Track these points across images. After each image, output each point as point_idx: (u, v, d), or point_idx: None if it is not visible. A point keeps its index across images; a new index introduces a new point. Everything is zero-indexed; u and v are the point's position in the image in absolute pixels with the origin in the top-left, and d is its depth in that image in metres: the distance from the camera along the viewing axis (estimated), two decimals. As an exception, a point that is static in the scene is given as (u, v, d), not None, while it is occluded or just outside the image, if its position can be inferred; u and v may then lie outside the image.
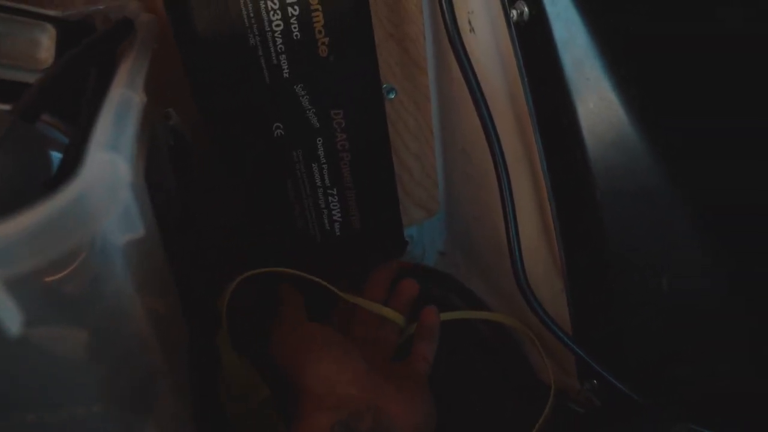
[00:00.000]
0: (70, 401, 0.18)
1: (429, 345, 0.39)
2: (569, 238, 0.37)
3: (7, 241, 0.13)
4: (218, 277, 0.40)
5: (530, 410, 0.38)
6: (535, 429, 0.37)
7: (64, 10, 0.37)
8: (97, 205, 0.15)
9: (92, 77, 0.25)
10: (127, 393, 0.21)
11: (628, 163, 0.34)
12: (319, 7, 0.34)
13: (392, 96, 0.46)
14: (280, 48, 0.34)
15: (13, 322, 0.14)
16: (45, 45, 0.28)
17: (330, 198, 0.39)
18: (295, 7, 0.33)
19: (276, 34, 0.33)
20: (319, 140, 0.37)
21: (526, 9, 0.34)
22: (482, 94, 0.38)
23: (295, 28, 0.34)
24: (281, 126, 0.36)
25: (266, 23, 0.33)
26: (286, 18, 0.33)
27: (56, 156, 0.26)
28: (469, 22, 0.42)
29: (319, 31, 0.34)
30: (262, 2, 0.33)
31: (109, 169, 0.15)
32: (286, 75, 0.35)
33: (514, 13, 0.35)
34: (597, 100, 0.33)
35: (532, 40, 0.35)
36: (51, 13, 0.28)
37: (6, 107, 0.25)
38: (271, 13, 0.33)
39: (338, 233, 0.41)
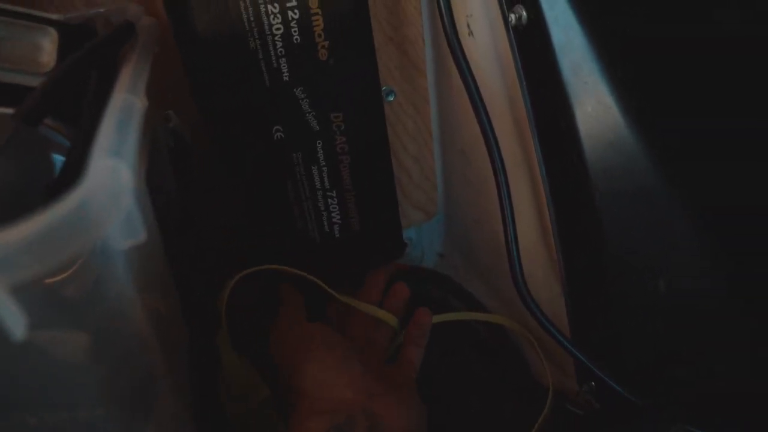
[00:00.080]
0: (71, 403, 0.18)
1: (416, 349, 0.39)
2: (567, 241, 0.38)
3: (11, 249, 0.13)
4: (218, 277, 0.40)
5: (529, 412, 0.38)
6: (533, 431, 0.37)
7: (64, 13, 0.37)
8: (100, 211, 0.15)
9: (94, 81, 0.25)
10: (127, 394, 0.21)
11: (625, 166, 0.34)
12: (319, 11, 0.34)
13: (391, 98, 0.46)
14: (280, 51, 0.34)
15: (17, 326, 0.14)
16: (47, 49, 0.28)
17: (329, 200, 0.39)
18: (295, 11, 0.33)
19: (276, 38, 0.34)
20: (319, 143, 0.37)
21: (524, 13, 0.35)
22: (481, 98, 0.38)
23: (295, 31, 0.34)
24: (281, 129, 0.36)
25: (266, 27, 0.33)
26: (286, 22, 0.33)
27: (58, 159, 0.26)
28: (468, 26, 0.42)
29: (319, 35, 0.34)
30: (263, 6, 0.33)
31: (111, 175, 0.16)
32: (286, 78, 0.35)
33: (512, 17, 0.35)
34: (595, 104, 0.34)
35: (531, 44, 0.35)
36: (53, 16, 0.28)
37: (9, 111, 0.26)
38: (272, 16, 0.33)
39: (337, 235, 0.41)
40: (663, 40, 0.32)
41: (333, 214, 0.40)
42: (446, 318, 0.43)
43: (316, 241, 0.41)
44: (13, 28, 0.28)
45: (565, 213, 0.37)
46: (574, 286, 0.38)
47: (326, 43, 0.35)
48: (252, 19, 0.33)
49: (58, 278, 0.15)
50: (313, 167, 0.38)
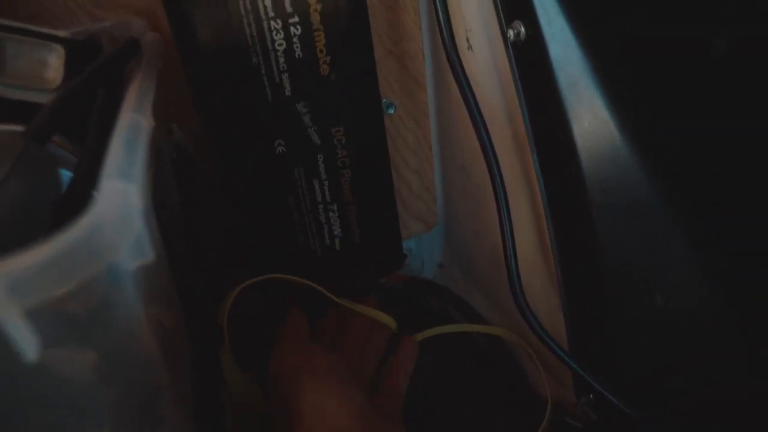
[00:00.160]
0: (79, 421, 0.19)
1: (403, 379, 0.39)
2: (565, 254, 0.38)
3: (25, 273, 0.13)
4: (218, 279, 0.40)
5: (527, 424, 0.39)
6: (532, 442, 0.37)
7: (69, 28, 0.37)
8: (111, 235, 0.15)
9: (100, 98, 0.26)
10: (134, 410, 0.21)
11: (622, 180, 0.35)
12: (321, 27, 0.34)
13: (391, 111, 0.46)
14: (283, 67, 0.35)
15: (30, 348, 0.14)
16: (53, 65, 0.29)
17: (330, 213, 0.40)
18: (298, 27, 0.34)
19: (278, 53, 0.34)
20: (320, 157, 0.38)
21: (522, 29, 0.35)
22: (480, 112, 0.38)
23: (297, 47, 0.34)
24: (283, 143, 0.37)
25: (269, 42, 0.34)
26: (288, 38, 0.34)
27: (65, 174, 0.26)
28: (467, 40, 0.43)
29: (321, 51, 0.35)
30: (265, 22, 0.33)
31: (122, 199, 0.16)
32: (288, 93, 0.35)
33: (511, 32, 0.36)
34: (591, 119, 0.34)
35: (529, 59, 0.35)
36: (59, 33, 0.29)
37: (16, 127, 0.26)
38: (274, 32, 0.34)
39: (338, 248, 0.41)
40: (659, 56, 0.33)
41: (334, 228, 0.40)
42: (445, 330, 0.43)
43: (317, 254, 0.41)
44: (20, 45, 0.28)
45: (563, 226, 0.38)
46: (572, 299, 0.39)
47: (328, 59, 0.35)
48: (255, 34, 0.33)
49: (68, 301, 0.15)
50: (314, 181, 0.38)
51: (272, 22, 0.33)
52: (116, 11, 0.38)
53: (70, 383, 0.18)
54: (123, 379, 0.19)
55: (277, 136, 0.36)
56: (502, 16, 0.36)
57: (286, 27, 0.34)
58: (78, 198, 0.23)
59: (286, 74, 0.35)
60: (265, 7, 0.33)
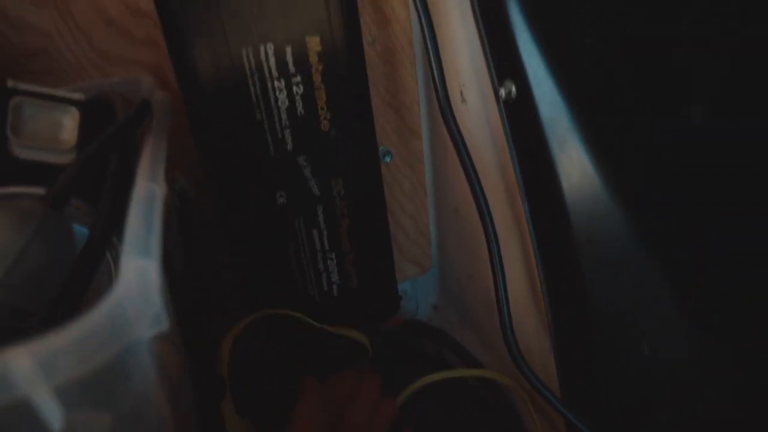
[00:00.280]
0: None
1: None
2: (555, 301, 0.39)
3: (54, 355, 0.14)
4: (218, 328, 0.41)
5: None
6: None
7: (79, 82, 0.39)
8: (133, 313, 0.16)
9: (113, 163, 0.27)
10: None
11: (608, 234, 0.36)
12: (322, 86, 0.36)
13: (388, 159, 0.48)
14: (285, 123, 0.36)
15: (56, 420, 0.15)
16: (68, 126, 0.30)
17: (329, 261, 0.41)
18: (300, 86, 0.36)
19: (281, 111, 0.36)
20: (320, 207, 0.39)
21: (513, 88, 0.37)
22: (472, 164, 0.40)
23: (299, 105, 0.36)
24: (284, 194, 0.38)
25: (273, 100, 0.35)
26: (291, 96, 0.36)
27: (79, 230, 0.27)
28: (461, 94, 0.45)
29: (322, 108, 0.37)
30: (269, 82, 0.35)
31: (142, 276, 0.17)
32: (289, 148, 0.37)
33: (502, 91, 0.37)
34: (580, 176, 0.36)
35: (520, 117, 0.37)
36: (74, 96, 0.30)
37: (34, 190, 0.27)
38: (278, 91, 0.35)
39: (336, 294, 0.42)
40: (645, 120, 0.35)
41: (332, 275, 0.42)
42: (443, 376, 0.44)
43: (316, 300, 0.42)
44: (37, 108, 0.29)
45: (553, 274, 0.39)
46: (562, 345, 0.40)
47: (328, 115, 0.37)
48: (259, 93, 0.35)
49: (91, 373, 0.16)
50: (313, 230, 0.40)
51: (276, 82, 0.35)
52: (125, 67, 0.40)
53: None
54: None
55: (278, 187, 0.38)
56: (493, 74, 0.38)
57: (289, 86, 0.35)
58: (92, 261, 0.24)
59: (288, 130, 0.36)
60: (269, 67, 0.35)
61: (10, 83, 0.29)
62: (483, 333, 0.51)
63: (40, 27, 0.37)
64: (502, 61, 0.37)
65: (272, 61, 0.34)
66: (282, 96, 0.35)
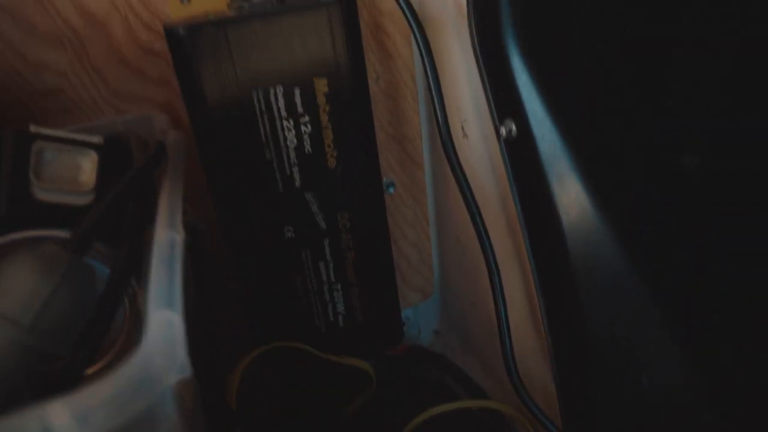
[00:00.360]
0: None
1: None
2: (555, 330, 0.40)
3: (86, 410, 0.16)
4: (228, 359, 0.42)
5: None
6: None
7: (94, 120, 0.41)
8: (161, 364, 0.17)
9: (131, 208, 0.28)
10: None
11: (607, 268, 0.37)
12: (329, 125, 0.37)
13: (392, 191, 0.49)
14: (294, 161, 0.37)
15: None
16: (87, 169, 0.31)
17: (335, 293, 0.42)
18: (308, 125, 0.37)
19: (290, 149, 0.37)
20: (326, 240, 0.40)
21: (513, 127, 0.38)
22: (473, 197, 0.41)
23: (307, 143, 0.37)
24: (292, 229, 0.39)
25: (281, 140, 0.37)
26: (299, 135, 0.37)
27: (101, 268, 0.29)
28: (463, 129, 0.46)
29: (329, 146, 0.38)
30: (278, 122, 0.36)
31: (168, 329, 0.18)
32: (297, 184, 0.38)
33: (503, 129, 0.39)
34: (579, 213, 0.37)
35: (520, 155, 0.38)
36: (93, 139, 0.32)
37: (54, 232, 0.28)
38: (286, 131, 0.37)
39: (341, 325, 0.43)
40: (640, 164, 0.36)
41: (338, 306, 0.43)
42: (448, 408, 0.45)
43: (321, 331, 0.43)
44: (58, 152, 0.31)
45: (553, 305, 0.40)
46: (563, 374, 0.41)
47: (335, 153, 0.38)
48: (269, 132, 0.36)
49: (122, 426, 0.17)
50: (320, 263, 0.41)
51: (285, 122, 0.36)
52: (138, 104, 0.41)
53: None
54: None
55: (286, 222, 0.39)
56: (494, 113, 0.39)
57: (297, 126, 0.37)
58: (112, 304, 0.25)
59: (296, 168, 0.38)
60: (279, 108, 0.36)
61: (32, 128, 0.30)
62: (485, 358, 0.52)
63: (57, 67, 0.38)
64: (503, 100, 0.38)
65: (281, 102, 0.36)
66: (290, 135, 0.37)
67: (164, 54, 0.40)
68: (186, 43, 0.33)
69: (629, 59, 0.36)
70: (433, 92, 0.40)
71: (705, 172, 0.35)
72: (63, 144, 0.31)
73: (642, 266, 0.37)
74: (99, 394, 0.16)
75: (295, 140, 0.37)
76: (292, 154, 0.37)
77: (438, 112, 0.41)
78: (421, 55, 0.39)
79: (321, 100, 0.37)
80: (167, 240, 0.24)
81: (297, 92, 0.36)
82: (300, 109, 0.36)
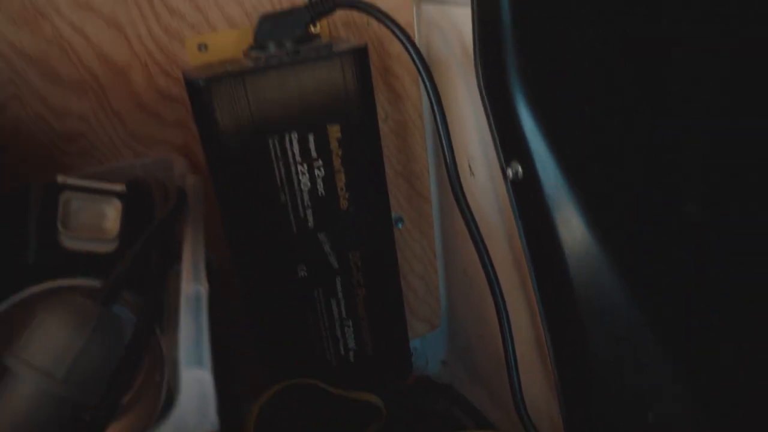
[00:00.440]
0: None
1: None
2: (562, 367, 0.41)
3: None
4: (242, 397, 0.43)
5: None
6: None
7: (113, 161, 0.42)
8: (193, 421, 0.18)
9: (154, 258, 0.30)
10: None
11: (611, 304, 0.38)
12: (341, 168, 0.39)
13: (400, 225, 0.51)
14: (307, 204, 0.39)
15: None
16: (111, 216, 0.32)
17: (346, 329, 0.43)
18: (321, 169, 0.38)
19: (304, 192, 0.38)
20: (338, 278, 0.41)
21: (520, 169, 0.39)
22: (480, 234, 0.42)
23: (320, 186, 0.39)
24: (305, 268, 0.40)
25: (296, 183, 0.38)
26: (313, 179, 0.38)
27: (125, 315, 0.30)
28: (470, 167, 0.47)
29: (341, 188, 0.39)
30: (293, 166, 0.38)
31: (199, 388, 0.19)
32: (311, 225, 0.39)
33: (509, 171, 0.40)
34: (582, 251, 0.38)
35: (526, 196, 0.40)
36: (116, 188, 0.33)
37: (83, 282, 0.30)
38: (301, 175, 0.38)
39: (352, 360, 0.44)
40: (645, 207, 0.37)
41: (348, 341, 0.44)
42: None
43: (333, 365, 0.44)
44: (83, 201, 0.32)
45: (559, 341, 0.41)
46: (570, 407, 0.42)
47: (347, 195, 0.39)
48: (284, 177, 0.38)
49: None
50: (332, 300, 0.42)
51: (299, 166, 0.38)
52: (156, 147, 0.42)
53: None
54: None
55: (299, 262, 0.40)
56: (501, 155, 0.41)
57: (311, 170, 0.38)
58: (138, 352, 0.26)
59: (309, 209, 0.39)
60: (293, 153, 0.37)
61: (60, 179, 0.32)
62: (492, 389, 0.53)
63: (79, 112, 0.40)
64: (509, 143, 0.40)
65: (296, 148, 0.37)
66: (305, 179, 0.38)
67: (182, 98, 0.41)
68: (206, 92, 0.35)
69: (630, 108, 0.38)
70: (441, 133, 0.41)
71: (704, 217, 0.36)
72: (88, 193, 0.32)
73: (644, 302, 0.38)
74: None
75: (309, 183, 0.38)
76: (306, 197, 0.39)
77: (446, 152, 0.42)
78: (429, 97, 0.40)
79: (334, 145, 0.38)
80: (193, 293, 0.25)
81: (311, 138, 0.37)
82: (314, 154, 0.38)
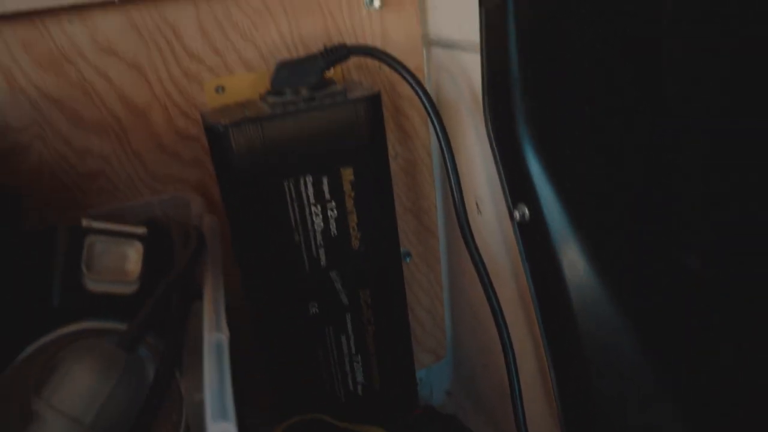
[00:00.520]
0: None
1: None
2: (566, 402, 0.42)
3: None
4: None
5: None
6: None
7: (132, 200, 0.43)
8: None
9: (175, 300, 0.31)
10: None
11: (615, 346, 0.39)
12: (354, 209, 0.40)
13: (408, 260, 0.52)
14: (320, 243, 0.40)
15: None
16: (132, 259, 0.34)
17: (355, 364, 0.44)
18: (334, 210, 0.39)
19: (317, 233, 0.40)
20: (348, 315, 0.43)
21: (526, 211, 0.41)
22: (487, 272, 0.43)
23: (332, 226, 0.40)
24: (316, 305, 0.41)
25: (309, 224, 0.39)
26: (326, 219, 0.39)
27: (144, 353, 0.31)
28: (477, 205, 0.49)
29: (353, 228, 0.40)
30: (307, 208, 0.39)
31: (227, 443, 0.20)
32: (323, 264, 0.40)
33: (516, 213, 0.41)
34: (588, 293, 0.39)
35: (533, 237, 0.41)
36: (138, 230, 0.34)
37: (107, 325, 0.31)
38: (314, 216, 0.39)
39: (360, 394, 0.45)
40: (646, 248, 0.38)
41: (357, 376, 0.45)
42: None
43: (341, 400, 0.45)
44: (106, 244, 0.33)
45: (563, 377, 0.42)
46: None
47: (359, 234, 0.41)
48: (298, 218, 0.39)
49: None
50: (342, 336, 0.43)
51: (313, 207, 0.39)
52: (173, 184, 0.44)
53: None
54: None
55: (311, 299, 0.41)
56: (508, 197, 0.42)
57: (324, 211, 0.39)
58: (160, 396, 0.27)
59: (322, 249, 0.40)
60: (308, 195, 0.39)
61: (84, 223, 0.33)
62: (496, 419, 0.54)
63: (100, 152, 0.41)
64: (516, 186, 0.41)
65: (311, 190, 0.38)
66: (318, 220, 0.39)
67: (199, 138, 0.43)
68: (225, 138, 0.36)
69: (633, 153, 0.39)
70: (450, 173, 0.43)
71: (706, 270, 0.37)
72: (111, 236, 0.33)
73: (648, 342, 0.39)
74: None
75: (322, 224, 0.40)
76: (319, 237, 0.40)
77: (455, 191, 0.43)
78: (439, 139, 0.41)
79: (347, 187, 0.39)
80: (215, 343, 0.26)
81: (325, 181, 0.39)
82: (327, 196, 0.39)
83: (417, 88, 0.40)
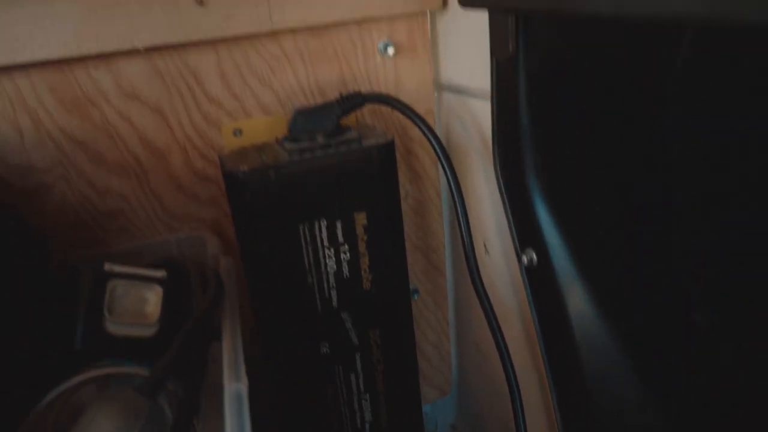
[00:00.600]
0: None
1: None
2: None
3: None
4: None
5: None
6: None
7: (149, 238, 0.44)
8: None
9: (194, 345, 0.32)
10: None
11: (620, 387, 0.40)
12: (366, 252, 0.41)
13: (416, 297, 0.53)
14: (332, 284, 0.41)
15: None
16: (152, 302, 0.35)
17: (363, 402, 0.45)
18: (347, 253, 0.41)
19: (330, 274, 0.41)
20: (358, 355, 0.43)
21: (534, 256, 0.42)
22: (493, 310, 0.44)
23: (345, 269, 0.41)
24: (327, 344, 0.42)
25: (322, 266, 0.40)
26: (339, 262, 0.40)
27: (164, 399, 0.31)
28: (485, 246, 0.50)
29: (365, 270, 0.41)
30: (321, 251, 0.40)
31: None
32: (335, 305, 0.41)
33: (524, 258, 0.42)
34: (594, 338, 0.40)
35: (541, 283, 0.42)
36: (158, 274, 0.35)
37: (129, 369, 0.32)
38: (327, 258, 0.40)
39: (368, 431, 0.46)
40: (652, 295, 0.39)
41: (365, 414, 0.45)
42: None
43: (350, 438, 0.46)
44: (127, 287, 0.34)
45: (569, 419, 0.43)
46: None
47: (370, 276, 0.42)
48: (312, 260, 0.40)
49: None
50: (351, 375, 0.44)
51: (327, 250, 0.40)
52: (190, 223, 0.45)
53: None
54: None
55: (322, 339, 0.42)
56: (516, 242, 0.43)
57: (337, 254, 0.40)
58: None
59: (334, 290, 0.41)
60: (322, 239, 0.40)
61: (107, 267, 0.34)
62: (501, 457, 0.54)
63: (120, 192, 0.42)
64: (524, 232, 0.42)
65: (325, 234, 0.39)
66: (331, 262, 0.40)
67: (216, 178, 0.44)
68: (243, 183, 0.37)
69: (641, 205, 0.40)
70: (460, 215, 0.44)
71: (710, 325, 0.38)
72: (132, 280, 0.34)
73: (650, 384, 0.40)
74: None
75: (335, 266, 0.41)
76: (332, 279, 0.41)
77: (464, 233, 0.44)
78: (449, 181, 0.43)
79: (360, 231, 0.40)
80: (235, 393, 0.27)
81: (339, 225, 0.40)
82: (341, 240, 0.40)
83: (428, 134, 0.41)
